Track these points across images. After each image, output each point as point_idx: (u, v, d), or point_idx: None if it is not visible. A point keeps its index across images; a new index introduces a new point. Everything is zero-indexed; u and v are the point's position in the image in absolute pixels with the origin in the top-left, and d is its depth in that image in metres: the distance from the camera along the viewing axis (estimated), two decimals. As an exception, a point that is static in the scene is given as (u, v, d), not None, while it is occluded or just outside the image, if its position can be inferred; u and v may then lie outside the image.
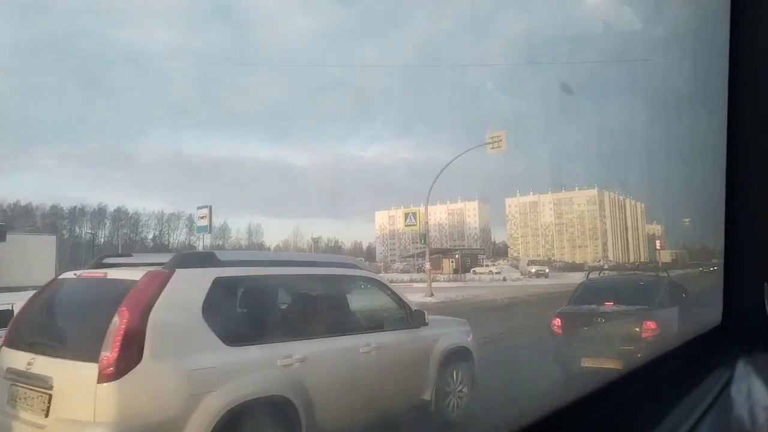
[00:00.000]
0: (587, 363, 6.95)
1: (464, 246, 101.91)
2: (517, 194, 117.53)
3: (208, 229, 19.38)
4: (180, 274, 3.51)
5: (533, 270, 52.73)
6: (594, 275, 11.24)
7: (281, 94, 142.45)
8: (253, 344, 3.72)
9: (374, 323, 5.19)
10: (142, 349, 3.11)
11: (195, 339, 3.44)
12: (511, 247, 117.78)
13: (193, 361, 3.33)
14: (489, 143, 21.68)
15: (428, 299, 23.04)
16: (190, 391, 3.24)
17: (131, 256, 4.68)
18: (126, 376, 3.03)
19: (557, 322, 7.57)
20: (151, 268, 3.60)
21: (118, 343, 3.06)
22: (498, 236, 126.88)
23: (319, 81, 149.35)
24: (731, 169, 2.17)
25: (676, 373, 2.03)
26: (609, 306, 7.50)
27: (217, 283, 3.65)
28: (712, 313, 2.58)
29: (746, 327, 2.16)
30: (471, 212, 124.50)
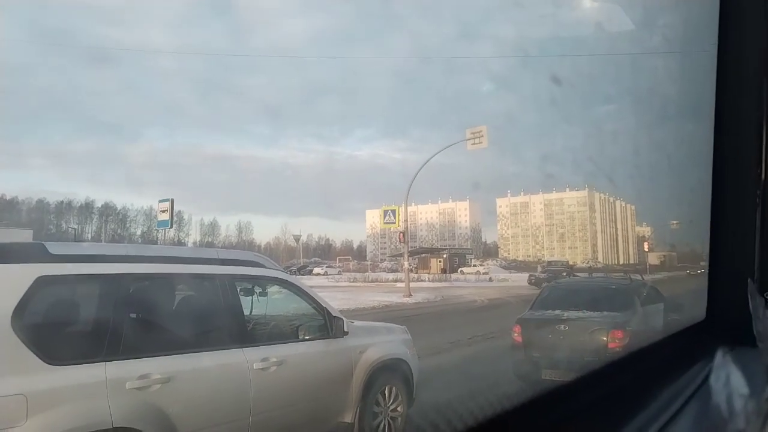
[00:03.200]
0: (548, 375, 6.33)
1: (454, 245, 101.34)
2: (508, 194, 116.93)
3: (169, 223, 18.46)
4: None
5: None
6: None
7: (276, 94, 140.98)
8: (91, 361, 2.93)
9: (278, 333, 4.39)
10: None
11: None
12: (502, 247, 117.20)
13: None
14: (470, 139, 20.91)
15: (405, 300, 22.38)
16: None
17: None
18: None
19: (517, 329, 6.85)
20: None
21: None
22: (489, 236, 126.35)
23: (315, 81, 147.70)
24: (717, 170, 2.23)
25: (658, 366, 2.04)
26: (574, 312, 6.79)
27: (41, 282, 2.86)
28: (689, 320, 2.60)
29: (729, 322, 2.21)
30: (462, 212, 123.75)
